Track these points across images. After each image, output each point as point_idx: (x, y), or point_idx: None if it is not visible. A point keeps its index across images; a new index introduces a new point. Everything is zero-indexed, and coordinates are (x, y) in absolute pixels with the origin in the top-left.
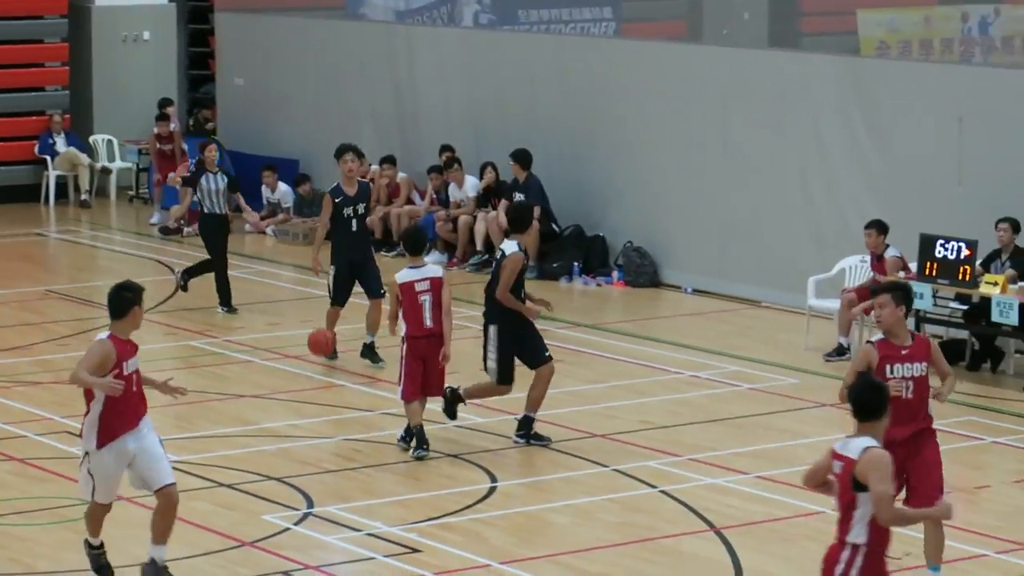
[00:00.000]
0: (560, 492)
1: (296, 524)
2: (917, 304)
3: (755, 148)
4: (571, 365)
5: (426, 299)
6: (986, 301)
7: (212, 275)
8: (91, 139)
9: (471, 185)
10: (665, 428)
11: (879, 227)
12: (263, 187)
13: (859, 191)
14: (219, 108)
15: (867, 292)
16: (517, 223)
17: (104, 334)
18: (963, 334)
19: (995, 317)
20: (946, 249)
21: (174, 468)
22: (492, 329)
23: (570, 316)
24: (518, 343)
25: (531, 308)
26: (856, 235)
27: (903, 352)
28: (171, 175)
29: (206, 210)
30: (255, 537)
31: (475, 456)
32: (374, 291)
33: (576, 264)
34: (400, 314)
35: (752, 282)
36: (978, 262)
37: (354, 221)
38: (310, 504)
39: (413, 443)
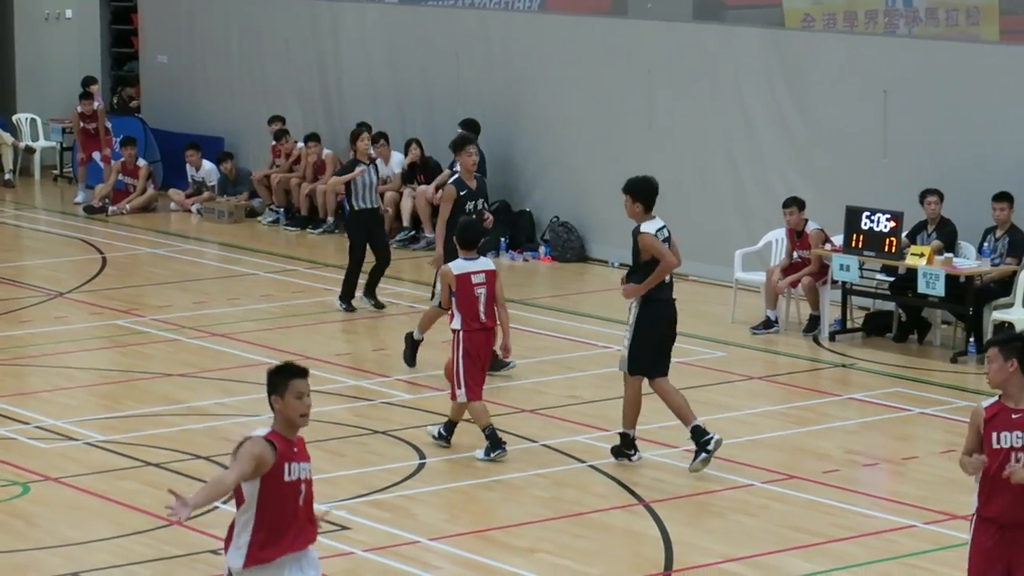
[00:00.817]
0: (489, 468)
1: (225, 503)
2: (843, 276)
3: (680, 122)
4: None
5: (481, 292)
6: (912, 272)
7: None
8: (14, 118)
9: (397, 161)
10: (593, 403)
11: (800, 204)
12: (187, 165)
13: (785, 164)
14: (143, 86)
15: (793, 266)
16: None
17: (261, 430)
18: (889, 306)
19: (921, 288)
20: (872, 221)
21: (100, 448)
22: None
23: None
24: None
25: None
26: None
27: (1015, 417)
28: (333, 178)
29: (356, 206)
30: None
31: (403, 433)
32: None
33: (503, 239)
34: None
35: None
36: (904, 234)
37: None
38: None
39: (487, 446)
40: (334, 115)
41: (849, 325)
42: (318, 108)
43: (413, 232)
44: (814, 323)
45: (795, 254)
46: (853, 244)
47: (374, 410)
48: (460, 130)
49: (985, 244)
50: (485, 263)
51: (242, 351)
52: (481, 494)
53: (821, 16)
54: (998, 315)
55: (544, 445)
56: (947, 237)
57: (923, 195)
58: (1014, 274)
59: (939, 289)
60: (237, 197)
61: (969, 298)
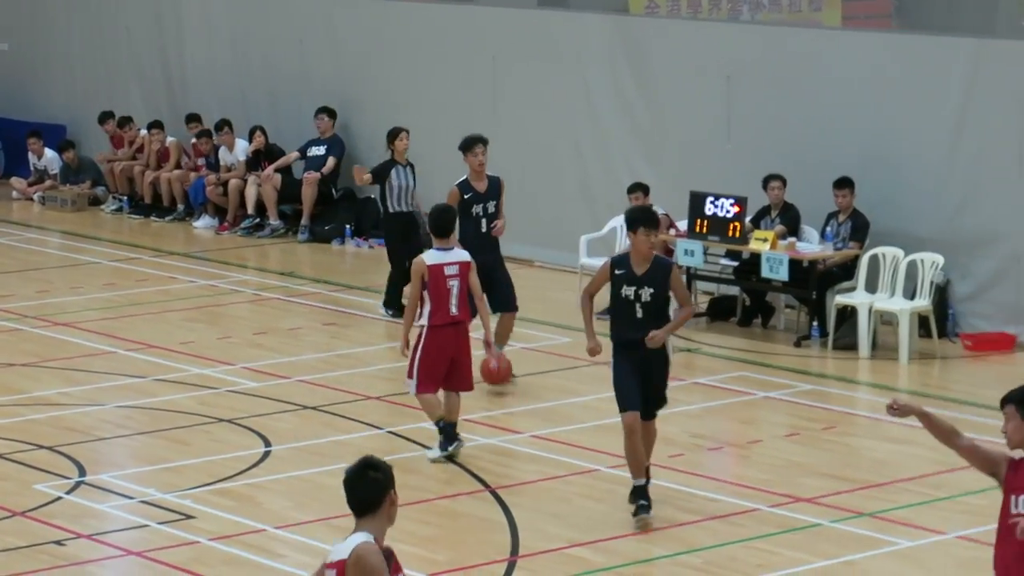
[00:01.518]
0: (334, 455)
1: (68, 493)
2: (688, 261)
3: (525, 108)
4: (343, 328)
5: (454, 284)
6: (756, 257)
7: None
8: None
9: (241, 148)
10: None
11: (644, 190)
12: (29, 154)
13: (629, 150)
14: None
15: None
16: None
17: (361, 537)
18: (734, 290)
19: (765, 273)
20: (716, 206)
21: None
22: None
23: (342, 279)
24: None
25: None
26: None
27: None
28: (365, 175)
29: (391, 208)
30: (27, 507)
31: (248, 421)
32: (504, 303)
33: (348, 227)
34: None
35: (524, 242)
36: (748, 219)
37: (484, 220)
38: (82, 472)
39: (440, 441)
40: (177, 102)
41: (696, 311)
42: (160, 95)
43: (258, 220)
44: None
45: None
46: (697, 229)
47: (219, 398)
48: (316, 118)
49: (828, 229)
50: (460, 254)
51: (85, 340)
52: (327, 482)
53: (665, 2)
54: (840, 299)
55: (390, 432)
56: (790, 222)
57: (766, 180)
58: (856, 258)
59: (782, 274)
60: (80, 186)
61: (812, 282)
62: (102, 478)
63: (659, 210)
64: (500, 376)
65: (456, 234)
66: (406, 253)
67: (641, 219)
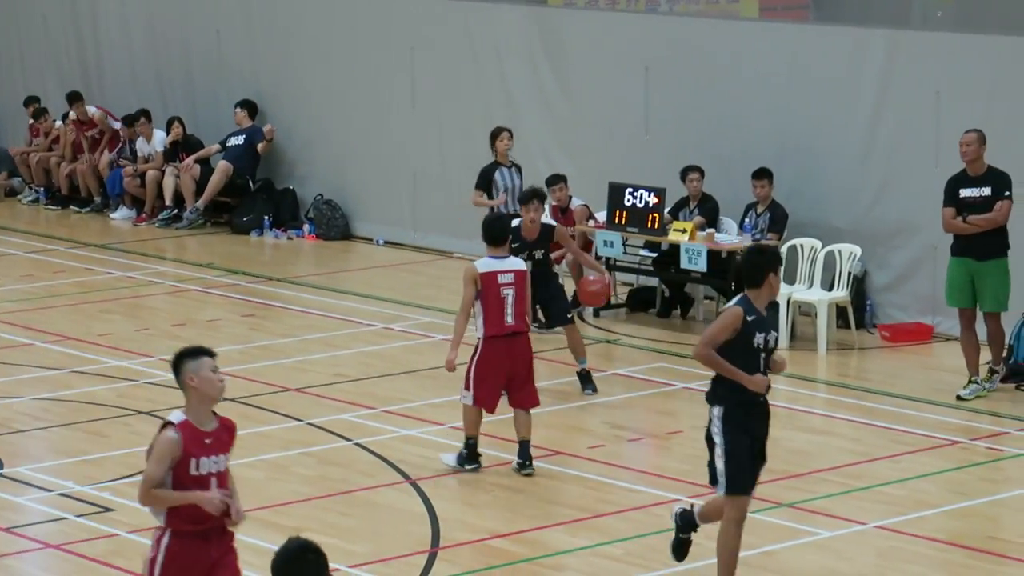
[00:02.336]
0: (254, 447)
1: None
2: (607, 252)
3: (443, 99)
4: (262, 319)
5: (509, 293)
6: (675, 248)
7: None
8: None
9: (159, 139)
10: (358, 381)
11: (565, 180)
12: None
13: (547, 141)
14: None
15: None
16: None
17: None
18: (653, 281)
19: (684, 264)
20: (635, 197)
21: None
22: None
23: (261, 270)
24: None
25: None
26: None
27: None
28: (475, 198)
29: (498, 210)
30: None
31: (167, 413)
32: (558, 317)
33: (267, 218)
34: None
35: (443, 233)
36: (666, 210)
37: (530, 264)
38: (0, 465)
39: (461, 453)
40: (93, 93)
41: (613, 301)
42: (77, 86)
43: (176, 211)
44: (577, 300)
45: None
46: (616, 220)
47: (137, 390)
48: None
49: (746, 220)
50: (515, 263)
51: (2, 332)
52: (247, 474)
53: None
54: (800, 295)
55: (310, 424)
56: (709, 213)
57: (685, 172)
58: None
59: (701, 265)
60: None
61: (731, 273)
62: (20, 471)
63: (578, 201)
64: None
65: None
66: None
67: None
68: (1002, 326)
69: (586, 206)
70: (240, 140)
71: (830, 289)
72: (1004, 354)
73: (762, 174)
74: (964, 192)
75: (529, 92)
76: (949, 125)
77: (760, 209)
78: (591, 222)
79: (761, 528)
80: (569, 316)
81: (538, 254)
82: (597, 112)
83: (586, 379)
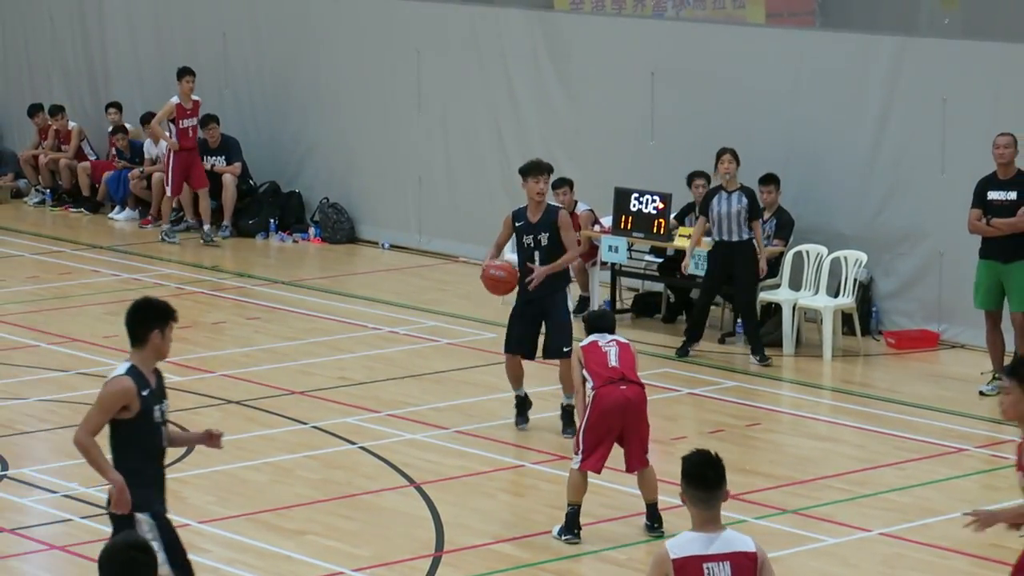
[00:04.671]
0: (259, 450)
1: None
2: (612, 258)
3: (449, 103)
4: (267, 322)
5: (611, 349)
6: (681, 254)
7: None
8: None
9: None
10: (363, 384)
11: (570, 185)
12: None
13: (553, 146)
14: None
15: None
16: None
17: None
18: (658, 287)
19: (690, 269)
20: (640, 203)
21: None
22: None
23: (267, 273)
24: None
25: None
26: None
27: None
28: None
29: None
30: None
31: (172, 415)
32: (553, 349)
33: (272, 221)
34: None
35: (448, 237)
36: (672, 215)
37: (536, 253)
38: (4, 467)
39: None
40: (100, 94)
41: (618, 306)
42: (84, 87)
43: (181, 213)
44: (584, 304)
45: None
46: (622, 226)
47: None
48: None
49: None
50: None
51: (8, 333)
52: (251, 476)
53: None
54: (765, 296)
55: (314, 427)
56: None
57: (691, 177)
58: (781, 256)
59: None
60: (2, 178)
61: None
62: (25, 472)
63: (583, 206)
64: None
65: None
66: (714, 285)
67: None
68: None
69: (591, 211)
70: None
71: (836, 296)
72: None
73: (769, 180)
74: (992, 195)
75: (534, 96)
76: (955, 132)
77: (766, 215)
78: (596, 227)
79: (766, 534)
80: (566, 350)
81: (544, 239)
82: (602, 117)
83: (569, 419)
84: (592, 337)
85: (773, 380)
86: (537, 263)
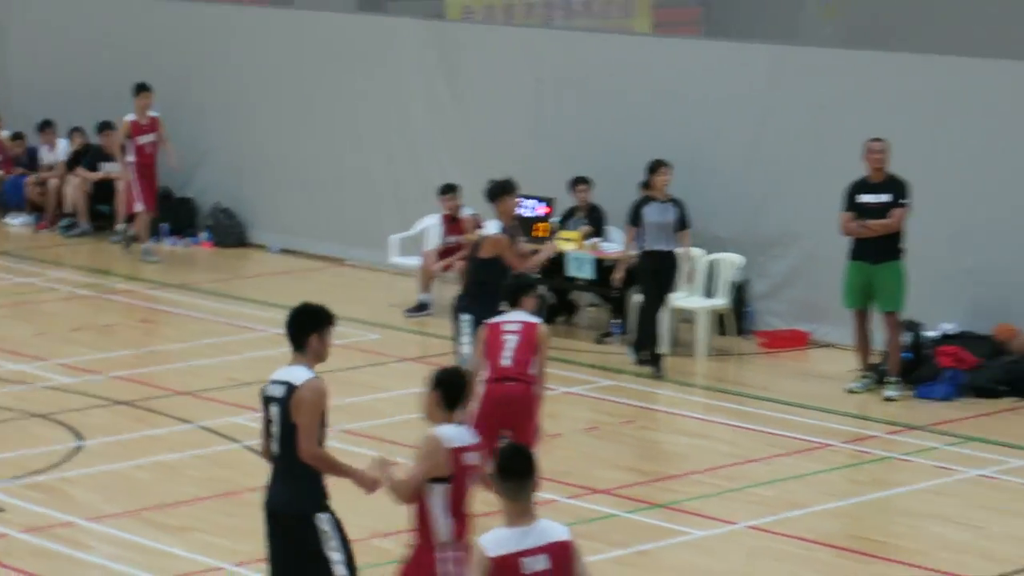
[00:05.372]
0: (145, 449)
1: None
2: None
3: (339, 109)
4: (157, 324)
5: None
6: (562, 256)
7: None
8: None
9: (62, 149)
10: (250, 384)
11: (456, 190)
12: None
13: (440, 152)
14: None
15: (448, 250)
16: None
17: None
18: (540, 289)
19: (570, 271)
20: (524, 207)
21: None
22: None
23: (158, 276)
24: None
25: None
26: (436, 195)
27: None
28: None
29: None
30: None
31: (61, 416)
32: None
33: (164, 225)
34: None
35: (336, 240)
36: (555, 219)
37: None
38: None
39: None
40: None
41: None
42: None
43: (74, 219)
44: (421, 308)
45: (450, 239)
46: None
47: (33, 394)
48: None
49: (569, 223)
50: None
51: None
52: (137, 475)
53: (481, 8)
54: (640, 297)
55: (201, 426)
56: (596, 223)
57: (573, 182)
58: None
59: (587, 272)
60: None
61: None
62: None
63: (468, 210)
64: None
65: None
66: (659, 293)
67: None
68: (900, 325)
69: (476, 215)
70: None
71: (710, 297)
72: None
73: (582, 180)
74: (863, 198)
75: (423, 103)
76: (830, 138)
77: (580, 214)
78: (479, 231)
79: (635, 528)
80: None
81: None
82: (489, 123)
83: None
84: (500, 318)
85: (648, 379)
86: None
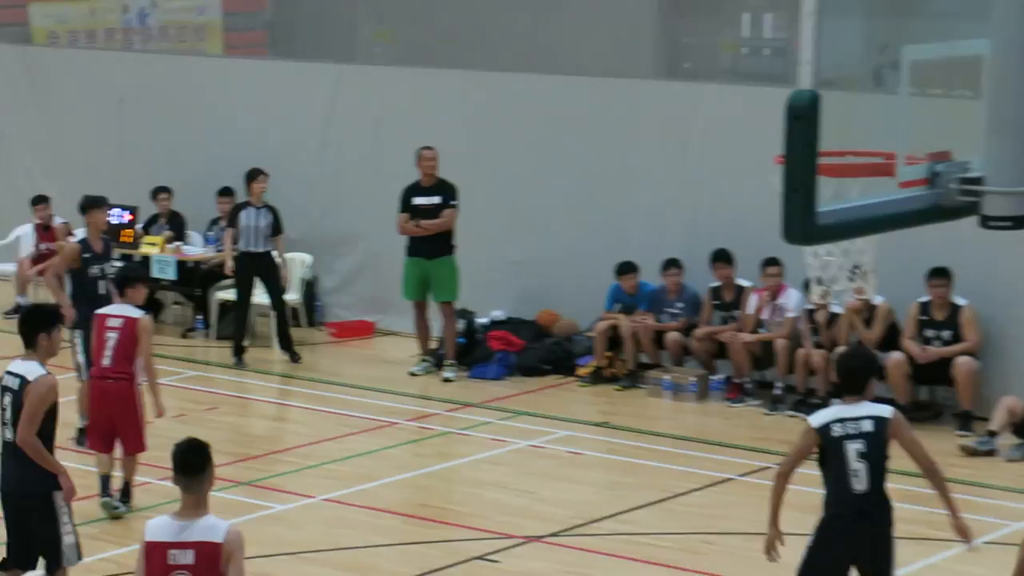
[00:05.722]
0: None
1: None
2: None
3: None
4: None
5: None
6: (147, 259)
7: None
8: None
9: None
10: None
11: (48, 200)
12: None
13: (31, 165)
14: None
15: (41, 256)
16: None
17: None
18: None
19: (155, 273)
20: (111, 215)
21: None
22: None
23: None
24: None
25: None
26: (29, 205)
27: None
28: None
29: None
30: None
31: None
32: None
33: None
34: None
35: None
36: (140, 225)
37: (101, 283)
38: None
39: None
40: None
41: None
42: None
43: None
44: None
45: (42, 246)
46: None
47: None
48: None
49: (211, 234)
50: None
51: None
52: None
53: (66, 33)
54: (221, 295)
55: None
56: (177, 228)
57: (155, 192)
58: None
59: (171, 273)
60: None
61: (197, 280)
62: None
63: (59, 219)
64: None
65: None
66: (250, 292)
67: None
68: (454, 313)
69: (67, 223)
70: None
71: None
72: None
73: (226, 192)
74: (417, 200)
75: (15, 122)
76: (387, 147)
77: (223, 224)
78: (71, 238)
79: (224, 505)
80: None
81: (109, 268)
82: (77, 139)
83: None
84: (105, 309)
85: (228, 368)
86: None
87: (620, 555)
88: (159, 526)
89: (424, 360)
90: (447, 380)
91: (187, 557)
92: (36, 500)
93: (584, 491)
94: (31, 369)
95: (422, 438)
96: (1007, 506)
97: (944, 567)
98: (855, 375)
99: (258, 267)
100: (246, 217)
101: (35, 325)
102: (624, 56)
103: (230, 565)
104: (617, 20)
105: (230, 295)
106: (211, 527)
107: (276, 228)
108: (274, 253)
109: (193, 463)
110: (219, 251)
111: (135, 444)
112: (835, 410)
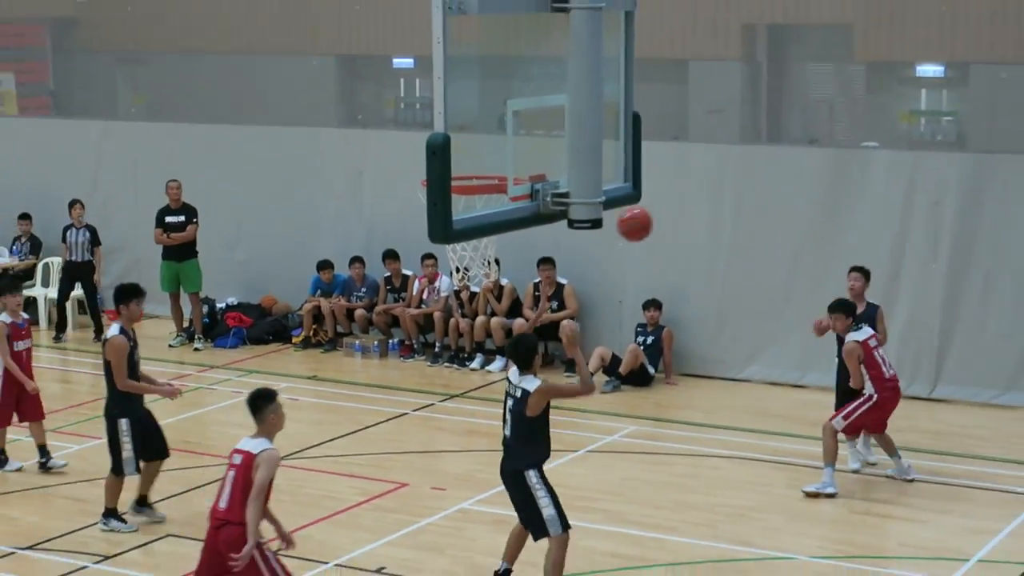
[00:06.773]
0: None
1: None
2: None
3: None
4: None
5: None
6: None
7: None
8: None
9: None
10: None
11: None
12: None
13: None
14: None
15: None
16: None
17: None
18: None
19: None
20: None
21: None
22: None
23: None
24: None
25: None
26: None
27: None
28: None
29: (68, 258)
30: None
31: None
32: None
33: None
34: None
35: None
36: None
37: None
38: None
39: None
40: None
41: None
42: None
43: None
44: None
45: None
46: None
47: None
48: None
49: (15, 247)
50: None
51: None
52: None
53: None
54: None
55: None
56: None
57: None
58: (34, 267)
59: None
60: None
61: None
62: None
63: None
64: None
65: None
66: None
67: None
68: (200, 300)
69: None
70: None
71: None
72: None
73: (25, 217)
74: (168, 219)
75: None
76: (144, 182)
77: (23, 241)
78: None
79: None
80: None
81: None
82: None
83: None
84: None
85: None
86: None
87: (327, 471)
88: (243, 439)
89: (179, 336)
90: (196, 350)
91: (236, 459)
92: None
93: (300, 427)
94: None
95: (181, 393)
96: (602, 424)
97: (558, 471)
98: (525, 355)
99: (79, 272)
100: (72, 234)
101: None
102: (313, 110)
103: (256, 473)
104: (305, 84)
105: (33, 292)
106: (255, 444)
107: (95, 241)
108: (95, 261)
109: (250, 404)
110: (21, 259)
111: None
112: (511, 375)
